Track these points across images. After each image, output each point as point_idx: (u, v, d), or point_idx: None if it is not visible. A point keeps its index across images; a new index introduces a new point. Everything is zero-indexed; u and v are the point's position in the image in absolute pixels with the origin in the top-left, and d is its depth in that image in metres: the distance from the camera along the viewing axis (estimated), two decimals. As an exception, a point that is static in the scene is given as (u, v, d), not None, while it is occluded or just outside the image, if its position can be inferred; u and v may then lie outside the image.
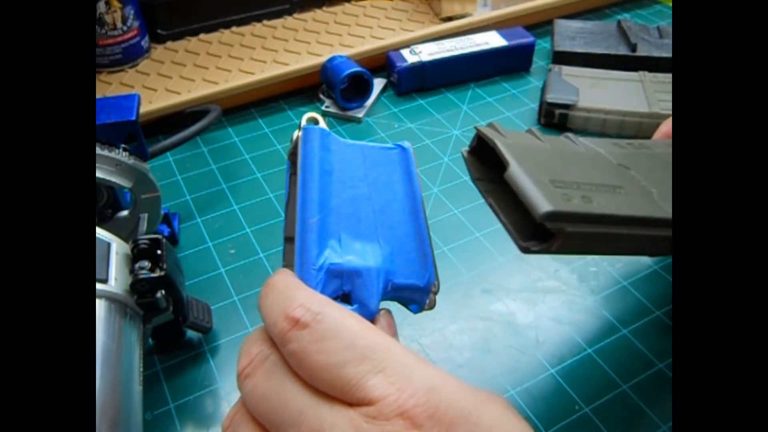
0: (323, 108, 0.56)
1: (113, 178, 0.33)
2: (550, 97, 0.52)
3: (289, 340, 0.19)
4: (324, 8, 0.69)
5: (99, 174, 0.33)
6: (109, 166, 0.33)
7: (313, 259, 0.22)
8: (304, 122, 0.26)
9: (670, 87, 0.53)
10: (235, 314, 0.38)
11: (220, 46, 0.63)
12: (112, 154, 0.33)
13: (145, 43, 0.61)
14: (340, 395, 0.18)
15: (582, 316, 0.38)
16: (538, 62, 0.62)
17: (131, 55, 0.60)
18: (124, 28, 0.58)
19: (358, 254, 0.22)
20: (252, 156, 0.51)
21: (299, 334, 0.19)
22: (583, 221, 0.24)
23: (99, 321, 0.25)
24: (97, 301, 0.25)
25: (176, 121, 0.52)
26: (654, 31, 0.61)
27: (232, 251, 0.43)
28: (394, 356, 0.19)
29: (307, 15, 0.68)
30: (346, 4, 0.70)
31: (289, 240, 0.23)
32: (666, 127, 0.35)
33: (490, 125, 0.29)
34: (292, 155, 0.25)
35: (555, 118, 0.52)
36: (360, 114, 0.55)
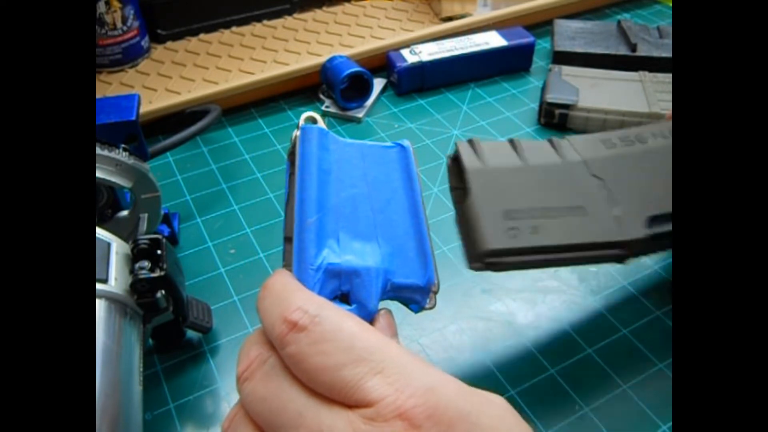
0: (323, 108, 0.56)
1: (113, 178, 0.33)
2: (550, 97, 0.52)
3: (287, 342, 0.19)
4: (324, 8, 0.69)
5: (99, 174, 0.33)
6: (109, 166, 0.33)
7: (311, 259, 0.22)
8: (302, 122, 0.26)
9: (670, 87, 0.53)
10: (235, 314, 0.38)
11: (220, 46, 0.63)
12: (112, 154, 0.33)
13: (145, 43, 0.61)
14: (339, 397, 0.18)
15: (582, 316, 0.38)
16: (538, 62, 0.62)
17: (131, 55, 0.60)
18: (124, 28, 0.58)
19: (357, 254, 0.22)
20: (252, 156, 0.51)
21: (297, 337, 0.19)
22: (524, 253, 0.27)
23: (99, 321, 0.25)
24: (97, 301, 0.25)
25: (176, 121, 0.52)
26: (654, 31, 0.61)
27: (232, 251, 0.43)
28: (392, 357, 0.19)
29: (307, 15, 0.68)
30: (346, 4, 0.70)
31: (288, 240, 0.23)
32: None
33: (470, 141, 0.31)
34: (291, 155, 0.25)
35: (555, 118, 0.52)
36: (360, 114, 0.55)
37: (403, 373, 0.18)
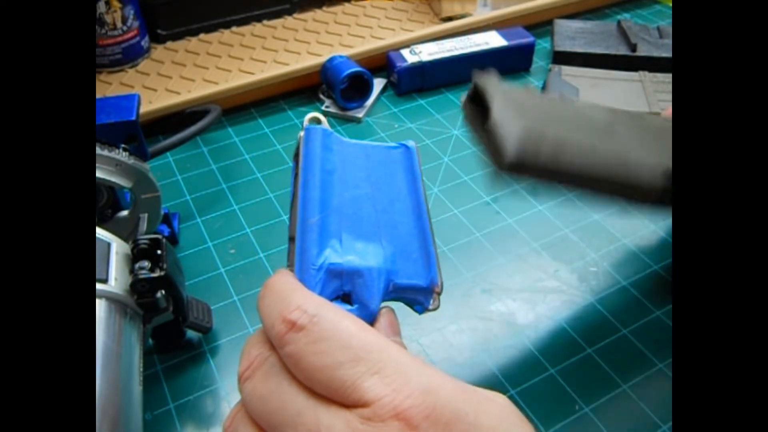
0: (323, 108, 0.56)
1: (113, 178, 0.33)
2: (550, 97, 0.52)
3: (286, 342, 0.19)
4: (324, 8, 0.69)
5: (99, 174, 0.33)
6: (109, 166, 0.33)
7: (313, 258, 0.22)
8: (306, 122, 0.26)
9: (670, 87, 0.53)
10: (235, 314, 0.38)
11: (220, 46, 0.63)
12: (112, 154, 0.33)
13: (145, 43, 0.61)
14: (337, 396, 0.18)
15: (582, 316, 0.38)
16: (538, 62, 0.62)
17: (131, 55, 0.60)
18: (124, 28, 0.58)
19: (359, 254, 0.22)
20: (252, 156, 0.51)
21: (296, 337, 0.19)
22: (545, 174, 0.26)
23: (99, 321, 0.25)
24: (97, 301, 0.25)
25: (176, 121, 0.52)
26: (654, 31, 0.61)
27: (232, 251, 0.43)
28: (390, 357, 0.19)
29: (307, 15, 0.68)
30: (346, 4, 0.70)
31: (292, 240, 0.23)
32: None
33: (488, 74, 0.30)
34: (296, 156, 0.25)
35: (555, 118, 0.52)
36: (360, 114, 0.55)
37: (401, 373, 0.18)
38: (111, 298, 0.26)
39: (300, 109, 0.57)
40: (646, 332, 0.37)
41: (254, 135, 0.54)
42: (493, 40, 0.59)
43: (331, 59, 0.55)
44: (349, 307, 0.22)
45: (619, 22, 0.62)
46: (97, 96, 0.54)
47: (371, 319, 0.22)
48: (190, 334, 0.36)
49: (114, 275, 0.27)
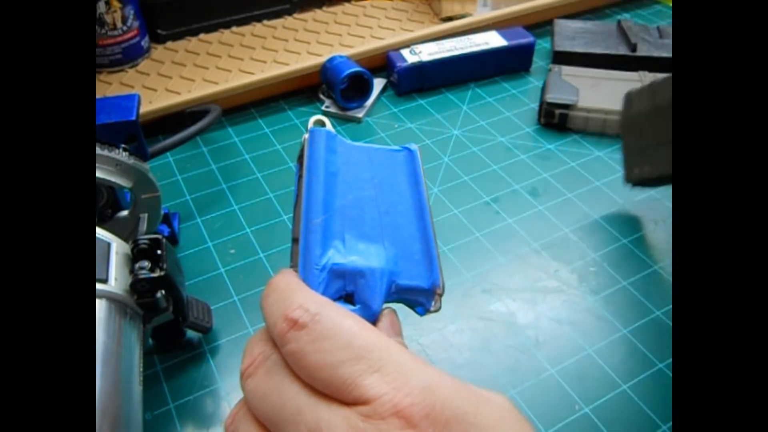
0: (323, 108, 0.56)
1: (113, 178, 0.33)
2: (550, 97, 0.52)
3: (288, 340, 0.19)
4: (324, 8, 0.69)
5: (99, 174, 0.33)
6: (109, 166, 0.33)
7: (316, 258, 0.22)
8: (311, 125, 0.26)
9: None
10: (235, 314, 0.38)
11: (220, 46, 0.63)
12: (112, 154, 0.33)
13: (145, 43, 0.61)
14: (337, 394, 0.18)
15: (582, 316, 0.38)
16: (538, 62, 0.62)
17: (131, 55, 0.60)
18: (124, 28, 0.58)
19: (362, 255, 0.22)
20: (252, 156, 0.51)
21: (297, 335, 0.19)
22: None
23: (99, 321, 0.25)
24: (97, 301, 0.25)
25: (176, 121, 0.52)
26: (654, 31, 0.61)
27: (232, 251, 0.43)
28: (390, 356, 0.19)
29: (307, 15, 0.68)
30: (346, 4, 0.70)
31: (296, 241, 0.23)
32: None
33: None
34: (300, 158, 0.26)
35: (555, 118, 0.52)
36: (360, 114, 0.55)
37: (401, 372, 0.18)
38: (111, 298, 0.26)
39: (300, 109, 0.57)
40: (646, 332, 0.37)
41: (254, 135, 0.54)
42: (493, 40, 0.59)
43: (331, 59, 0.55)
44: (351, 307, 0.22)
45: (619, 22, 0.62)
46: (97, 96, 0.54)
47: (373, 319, 0.22)
48: (190, 334, 0.36)
49: (114, 275, 0.27)
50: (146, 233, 0.30)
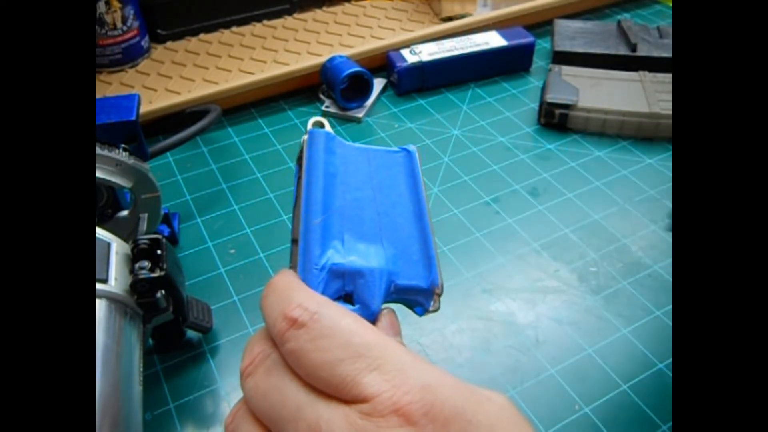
0: (323, 108, 0.56)
1: (113, 178, 0.33)
2: (550, 97, 0.52)
3: (287, 339, 0.19)
4: (324, 8, 0.69)
5: (99, 174, 0.33)
6: (109, 166, 0.33)
7: (316, 258, 0.22)
8: (310, 126, 0.27)
9: (670, 87, 0.53)
10: (235, 314, 0.38)
11: (220, 46, 0.63)
12: (112, 154, 0.33)
13: (145, 43, 0.61)
14: (337, 392, 0.18)
15: (582, 316, 0.38)
16: (538, 62, 0.62)
17: (131, 55, 0.60)
18: (124, 28, 0.58)
19: (361, 255, 0.22)
20: (252, 156, 0.51)
21: (296, 334, 0.19)
22: None
23: (99, 321, 0.25)
24: (97, 301, 0.25)
25: (176, 121, 0.52)
26: (654, 31, 0.61)
27: (232, 251, 0.43)
28: (389, 354, 0.19)
29: (307, 15, 0.68)
30: (346, 4, 0.70)
31: (295, 242, 0.23)
32: None
33: None
34: (299, 159, 0.26)
35: (555, 118, 0.52)
36: (360, 114, 0.55)
37: (401, 370, 0.18)
38: (111, 298, 0.26)
39: (300, 109, 0.57)
40: (646, 332, 0.37)
41: (254, 135, 0.54)
42: (493, 40, 0.59)
43: (331, 59, 0.55)
44: (350, 307, 0.22)
45: (619, 22, 0.62)
46: (97, 96, 0.54)
47: (372, 319, 0.22)
48: (190, 334, 0.36)
49: (114, 275, 0.27)
50: (146, 233, 0.30)
